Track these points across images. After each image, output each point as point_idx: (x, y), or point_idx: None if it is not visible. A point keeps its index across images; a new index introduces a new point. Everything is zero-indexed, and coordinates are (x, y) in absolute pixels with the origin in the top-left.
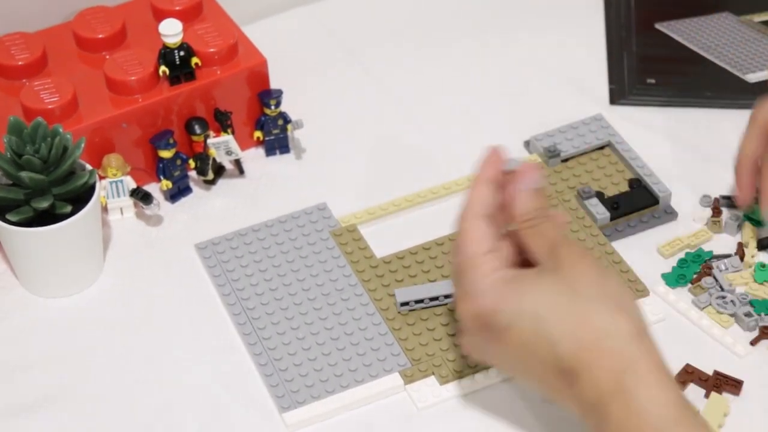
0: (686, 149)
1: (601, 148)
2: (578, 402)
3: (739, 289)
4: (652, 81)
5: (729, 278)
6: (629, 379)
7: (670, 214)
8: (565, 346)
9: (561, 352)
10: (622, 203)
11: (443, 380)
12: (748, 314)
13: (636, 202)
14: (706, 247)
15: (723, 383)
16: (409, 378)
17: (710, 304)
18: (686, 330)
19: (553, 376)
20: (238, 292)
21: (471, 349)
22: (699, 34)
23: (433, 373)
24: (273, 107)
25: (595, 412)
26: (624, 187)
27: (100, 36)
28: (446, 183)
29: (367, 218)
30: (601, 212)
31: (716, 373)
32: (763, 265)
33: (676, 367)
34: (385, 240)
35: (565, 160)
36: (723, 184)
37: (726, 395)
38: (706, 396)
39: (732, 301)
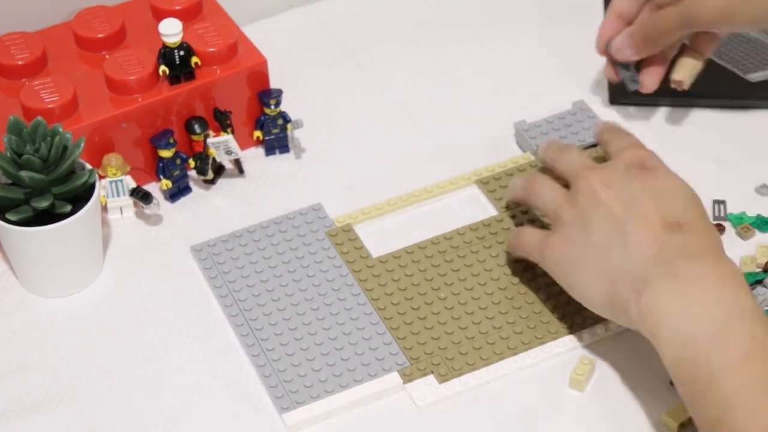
0: (685, 149)
1: (595, 145)
2: (662, 247)
3: None
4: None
5: None
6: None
7: None
8: (695, 209)
9: (693, 208)
10: None
11: (442, 378)
12: None
13: None
14: None
15: None
16: (407, 377)
17: None
18: None
19: (661, 221)
20: (235, 294)
21: (600, 179)
22: (723, 47)
23: (432, 372)
24: (273, 107)
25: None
26: None
27: (100, 35)
28: (441, 182)
29: (362, 218)
30: None
31: None
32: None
33: None
34: (380, 240)
35: None
36: (722, 184)
37: None
38: None
39: None
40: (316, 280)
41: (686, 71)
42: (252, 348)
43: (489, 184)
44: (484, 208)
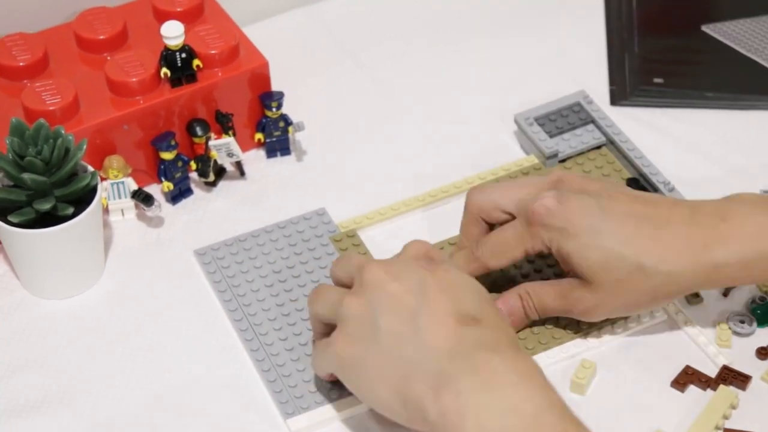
0: (690, 151)
1: (598, 147)
2: (459, 341)
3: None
4: (660, 81)
5: None
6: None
7: None
8: (488, 304)
9: (485, 302)
10: None
11: None
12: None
13: None
14: None
15: (731, 377)
16: None
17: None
18: (687, 331)
19: (456, 314)
20: (239, 298)
21: (387, 271)
22: (747, 37)
23: None
24: (274, 109)
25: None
26: None
27: (102, 37)
28: (445, 186)
29: (366, 223)
30: None
31: (724, 367)
32: None
33: (676, 369)
34: (385, 244)
35: (563, 161)
36: (723, 185)
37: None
38: (714, 388)
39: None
40: None
41: None
42: (256, 353)
43: None
44: None
